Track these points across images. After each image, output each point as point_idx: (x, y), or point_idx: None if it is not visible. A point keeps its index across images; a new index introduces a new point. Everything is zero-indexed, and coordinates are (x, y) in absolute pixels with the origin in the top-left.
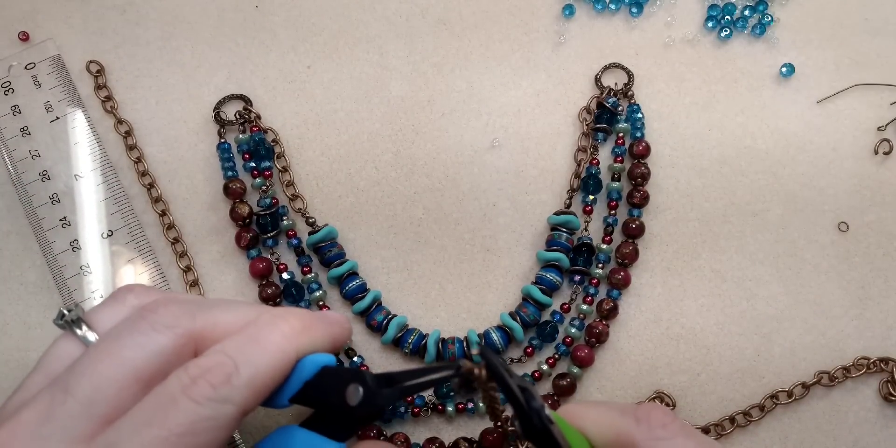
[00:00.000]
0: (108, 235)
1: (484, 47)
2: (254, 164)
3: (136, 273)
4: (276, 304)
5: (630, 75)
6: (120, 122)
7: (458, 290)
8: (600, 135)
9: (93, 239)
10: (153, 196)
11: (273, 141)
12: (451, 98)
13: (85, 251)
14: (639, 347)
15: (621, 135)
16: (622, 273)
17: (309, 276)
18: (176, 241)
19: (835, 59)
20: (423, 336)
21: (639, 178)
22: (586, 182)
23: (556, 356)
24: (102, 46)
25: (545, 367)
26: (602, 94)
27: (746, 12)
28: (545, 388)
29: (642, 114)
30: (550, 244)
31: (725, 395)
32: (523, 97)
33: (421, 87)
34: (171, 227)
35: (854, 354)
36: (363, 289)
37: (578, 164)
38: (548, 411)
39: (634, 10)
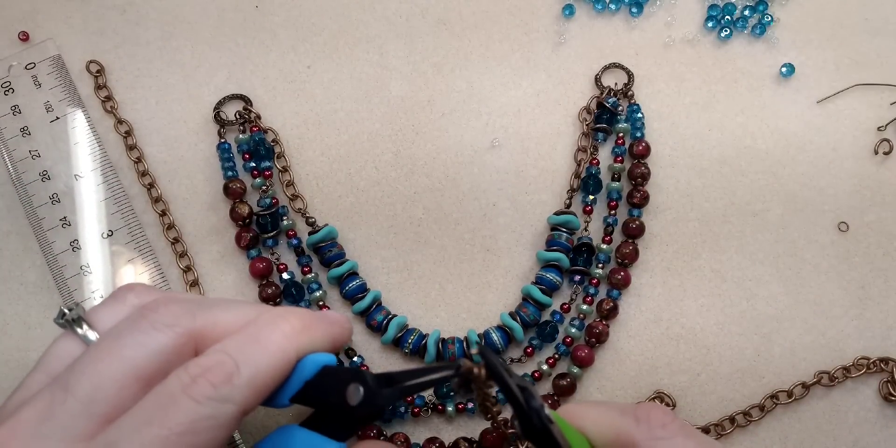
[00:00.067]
0: (108, 235)
1: (484, 47)
2: (254, 164)
3: (136, 273)
4: (276, 305)
5: (630, 75)
6: (120, 122)
7: (458, 290)
8: (600, 135)
9: (93, 239)
10: (153, 196)
11: (273, 141)
12: (451, 98)
13: (85, 251)
14: (639, 347)
15: (621, 135)
16: (622, 273)
17: (309, 276)
18: (176, 241)
19: (835, 59)
20: (423, 336)
21: (639, 178)
22: (586, 182)
23: (556, 356)
24: (102, 46)
25: (545, 367)
26: (602, 94)
27: (746, 12)
28: (545, 388)
29: (642, 114)
30: (550, 244)
31: (725, 395)
32: (523, 97)
33: (421, 87)
34: (171, 227)
35: (854, 354)
36: (363, 289)
37: (578, 164)
38: (547, 411)
39: (634, 10)
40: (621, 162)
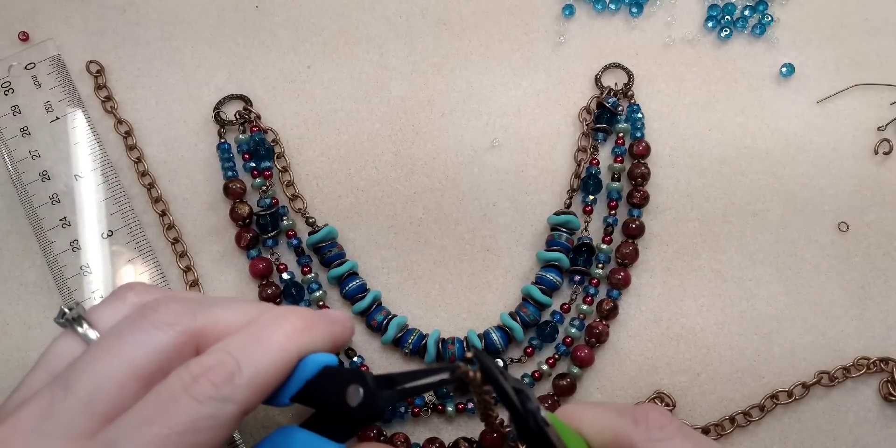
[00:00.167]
0: (108, 235)
1: (484, 47)
2: (254, 164)
3: (136, 273)
4: (276, 305)
5: (630, 75)
6: (120, 122)
7: (458, 290)
8: (600, 135)
9: (93, 239)
10: (153, 196)
11: (273, 141)
12: (451, 98)
13: (85, 251)
14: (639, 347)
15: (621, 135)
16: (622, 273)
17: (309, 276)
18: (176, 241)
19: (835, 59)
20: (423, 336)
21: (639, 178)
22: (586, 182)
23: (556, 356)
24: (102, 46)
25: (545, 367)
26: (602, 94)
27: (746, 12)
28: (545, 388)
29: (642, 114)
30: (550, 244)
31: (725, 395)
32: (523, 97)
33: (421, 87)
34: (171, 227)
35: (854, 354)
36: (363, 289)
37: (578, 164)
38: (543, 413)
39: (634, 10)
40: (621, 162)
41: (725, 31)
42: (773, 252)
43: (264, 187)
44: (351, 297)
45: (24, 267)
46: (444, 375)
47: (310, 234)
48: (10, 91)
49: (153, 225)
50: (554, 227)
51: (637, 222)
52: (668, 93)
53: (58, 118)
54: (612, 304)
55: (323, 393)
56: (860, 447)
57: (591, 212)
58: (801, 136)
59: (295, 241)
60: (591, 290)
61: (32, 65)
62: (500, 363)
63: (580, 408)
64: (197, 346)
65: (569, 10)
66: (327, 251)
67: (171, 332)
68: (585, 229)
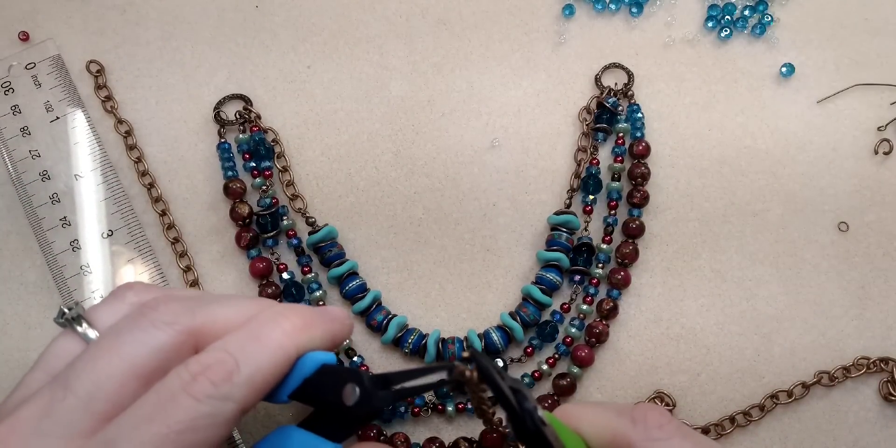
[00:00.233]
0: (108, 235)
1: (484, 47)
2: (254, 164)
3: (136, 273)
4: None
5: (630, 75)
6: (120, 122)
7: (458, 290)
8: (600, 135)
9: (93, 239)
10: (153, 196)
11: (273, 141)
12: (451, 98)
13: (85, 251)
14: (639, 347)
15: (621, 135)
16: (622, 273)
17: (309, 276)
18: (176, 241)
19: (835, 59)
20: (423, 336)
21: (639, 178)
22: (586, 182)
23: (556, 356)
24: (102, 46)
25: (545, 367)
26: (602, 94)
27: (746, 12)
28: (545, 388)
29: (642, 114)
30: (550, 244)
31: (725, 395)
32: (523, 97)
33: (421, 87)
34: (171, 227)
35: (854, 354)
36: (363, 289)
37: (578, 164)
38: (541, 413)
39: (634, 10)
40: (621, 162)
41: (725, 31)
42: (773, 252)
43: (264, 187)
44: (351, 297)
45: (24, 267)
46: (442, 375)
47: (310, 233)
48: (10, 91)
49: (153, 225)
50: (554, 227)
51: (637, 222)
52: (668, 93)
53: (58, 118)
54: (612, 304)
55: (321, 391)
56: (860, 447)
57: (591, 212)
58: (801, 136)
59: (295, 241)
60: (591, 290)
61: (32, 65)
62: (500, 363)
63: (579, 407)
64: (196, 345)
65: (569, 10)
66: (327, 251)
67: (170, 330)
68: (585, 229)
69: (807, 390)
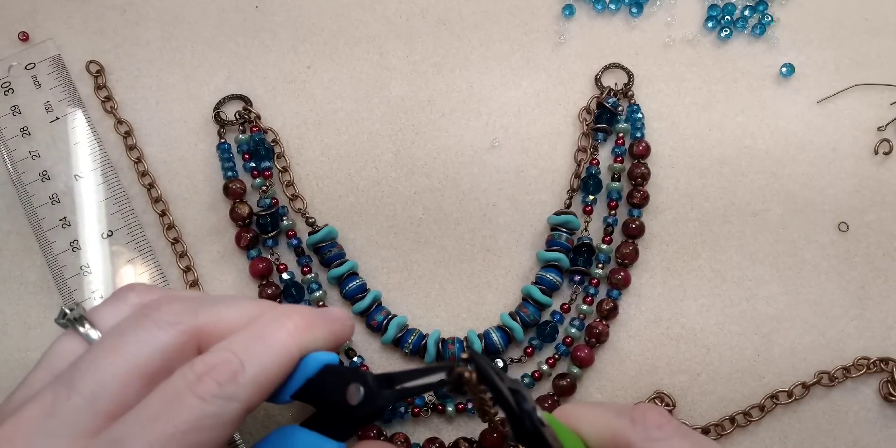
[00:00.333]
0: (108, 235)
1: (484, 47)
2: (254, 164)
3: (136, 273)
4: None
5: (630, 75)
6: (120, 122)
7: (458, 290)
8: (600, 135)
9: (93, 239)
10: (153, 196)
11: (273, 141)
12: (451, 98)
13: (85, 251)
14: (639, 347)
15: (621, 135)
16: (622, 273)
17: (309, 276)
18: (176, 241)
19: (835, 59)
20: (423, 336)
21: (639, 178)
22: (586, 182)
23: (556, 356)
24: (102, 46)
25: (545, 367)
26: (602, 94)
27: (746, 12)
28: (545, 388)
29: (642, 114)
30: (550, 244)
31: (725, 395)
32: (523, 97)
33: (421, 87)
34: (171, 227)
35: (854, 354)
36: (363, 289)
37: (578, 164)
38: (540, 413)
39: (634, 10)
40: (621, 162)
41: (725, 31)
42: (773, 252)
43: (264, 187)
44: (351, 297)
45: (24, 267)
46: (442, 375)
47: (310, 234)
48: (10, 91)
49: (153, 225)
50: (554, 227)
51: (637, 222)
52: (668, 93)
53: (58, 118)
54: (612, 304)
55: (323, 391)
56: (860, 447)
57: (591, 212)
58: (801, 136)
59: (295, 241)
60: (591, 290)
61: (32, 65)
62: (500, 363)
63: (578, 408)
64: (199, 345)
65: (569, 10)
66: (327, 251)
67: (173, 331)
68: (585, 229)
69: (807, 390)
